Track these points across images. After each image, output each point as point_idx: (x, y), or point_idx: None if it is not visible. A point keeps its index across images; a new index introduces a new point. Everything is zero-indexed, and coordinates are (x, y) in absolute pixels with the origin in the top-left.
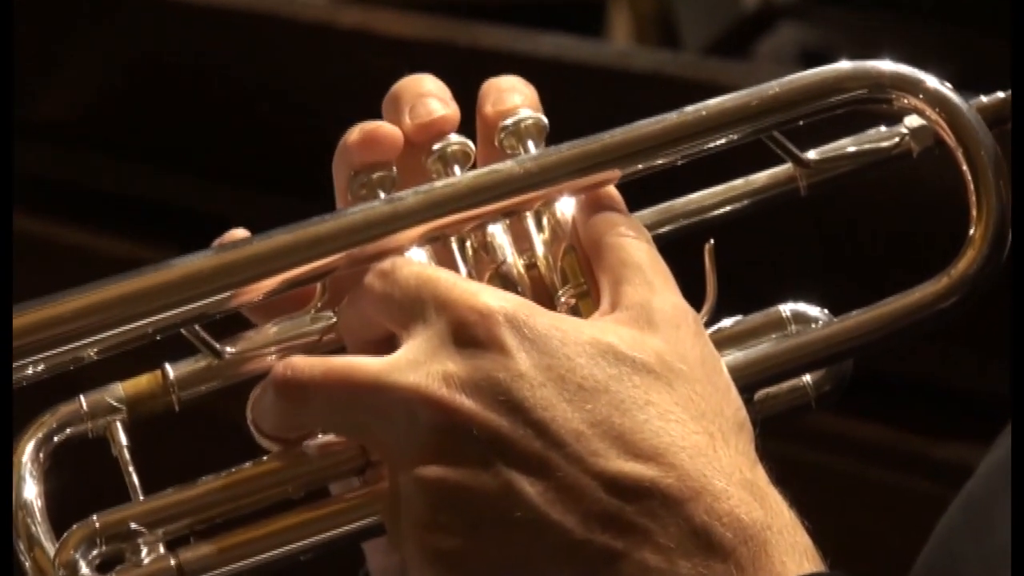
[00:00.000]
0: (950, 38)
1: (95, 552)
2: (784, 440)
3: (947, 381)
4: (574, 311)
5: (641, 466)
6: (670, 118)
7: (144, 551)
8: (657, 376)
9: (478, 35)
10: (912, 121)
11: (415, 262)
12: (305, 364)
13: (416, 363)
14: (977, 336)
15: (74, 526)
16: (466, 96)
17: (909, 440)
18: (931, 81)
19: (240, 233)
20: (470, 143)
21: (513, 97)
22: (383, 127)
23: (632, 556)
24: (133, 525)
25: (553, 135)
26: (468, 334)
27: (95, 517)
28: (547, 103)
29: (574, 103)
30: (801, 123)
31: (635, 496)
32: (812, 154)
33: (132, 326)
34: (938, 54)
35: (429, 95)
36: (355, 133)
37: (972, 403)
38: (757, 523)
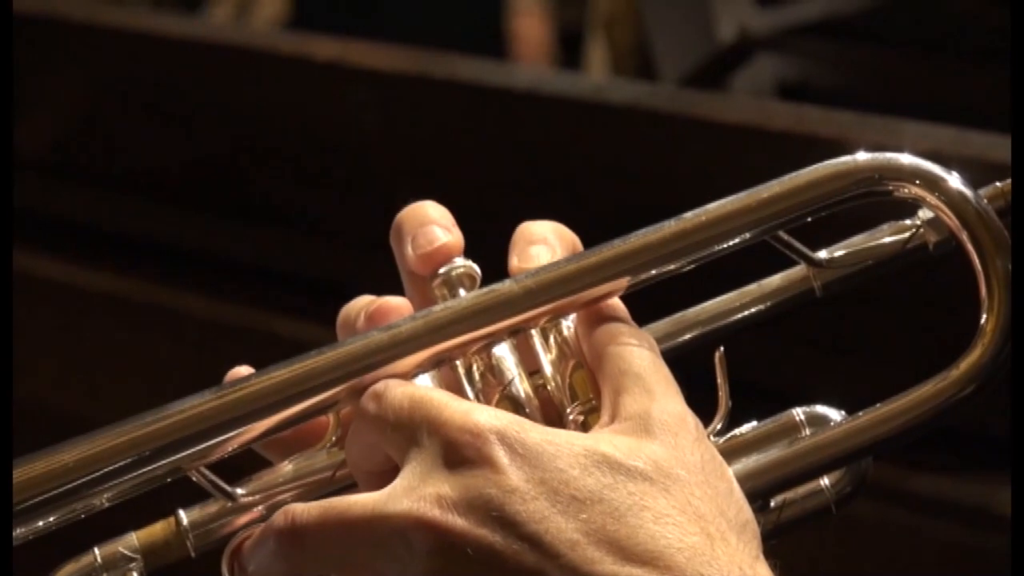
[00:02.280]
0: (928, 70)
1: None
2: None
3: None
4: (583, 427)
5: (638, 570)
6: (668, 225)
7: None
8: (653, 482)
9: (455, 67)
10: (925, 213)
11: (407, 383)
12: (302, 509)
13: (409, 489)
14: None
15: None
16: (443, 129)
17: (886, 471)
18: (935, 170)
19: (243, 371)
20: (475, 267)
21: (539, 255)
22: (386, 303)
23: None
24: None
25: (530, 168)
26: (460, 454)
27: None
28: (524, 136)
29: (551, 136)
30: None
31: None
32: (824, 253)
33: (131, 474)
34: (915, 86)
35: (431, 223)
36: (361, 319)
37: (948, 435)
38: None
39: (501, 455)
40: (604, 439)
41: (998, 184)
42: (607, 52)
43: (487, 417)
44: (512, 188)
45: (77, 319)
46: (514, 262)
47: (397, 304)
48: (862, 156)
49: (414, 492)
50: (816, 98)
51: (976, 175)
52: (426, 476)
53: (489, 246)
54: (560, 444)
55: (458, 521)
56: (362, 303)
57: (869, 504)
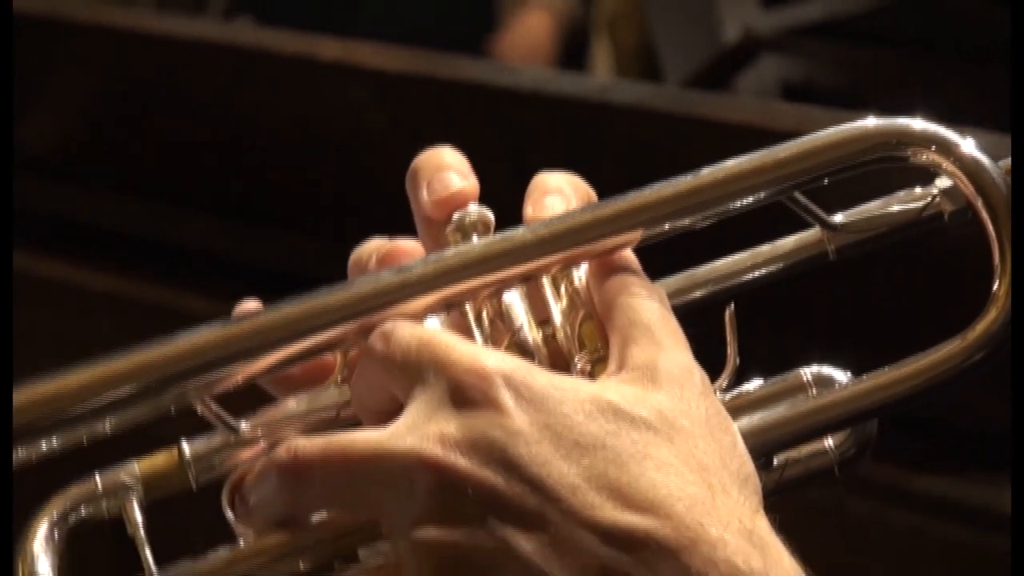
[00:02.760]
0: (932, 70)
1: None
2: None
3: (926, 412)
4: (590, 377)
5: (637, 517)
6: (684, 180)
7: None
8: (656, 432)
9: (459, 68)
10: (943, 182)
11: (415, 324)
12: (305, 443)
13: (414, 427)
14: None
15: None
16: (447, 129)
17: (887, 471)
18: (952, 136)
19: (252, 305)
20: (489, 213)
21: (554, 205)
22: (398, 247)
23: None
24: None
25: (535, 168)
26: (466, 395)
27: None
28: (528, 136)
29: (555, 136)
30: (826, 181)
31: (631, 547)
32: (840, 217)
33: (136, 401)
34: (920, 87)
35: (447, 168)
36: (373, 260)
37: (951, 435)
38: (755, 571)
39: (507, 398)
40: (610, 387)
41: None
42: (612, 53)
43: (494, 360)
44: (516, 188)
45: (77, 319)
46: (528, 211)
47: (410, 247)
48: (880, 120)
49: (418, 430)
50: (820, 99)
51: None
52: (431, 415)
53: None
54: (566, 390)
55: (460, 461)
56: (375, 245)
57: (873, 505)
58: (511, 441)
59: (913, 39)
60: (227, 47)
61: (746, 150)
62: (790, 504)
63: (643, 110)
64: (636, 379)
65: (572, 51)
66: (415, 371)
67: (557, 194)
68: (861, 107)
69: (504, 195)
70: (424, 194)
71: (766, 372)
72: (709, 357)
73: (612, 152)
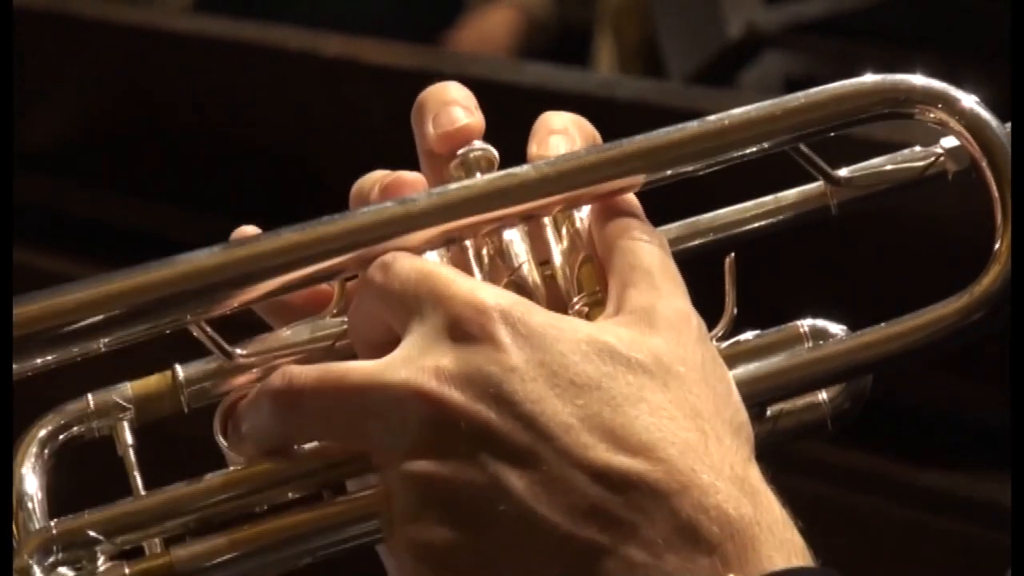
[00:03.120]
0: (935, 66)
1: (51, 559)
2: (768, 467)
3: (931, 407)
4: (587, 318)
5: (629, 459)
6: (691, 126)
7: (100, 560)
8: (652, 376)
9: (462, 64)
10: (948, 142)
11: (416, 257)
12: (300, 371)
13: (409, 359)
14: (963, 360)
15: (31, 532)
16: None
17: (891, 466)
18: (958, 94)
19: (251, 230)
20: (493, 150)
21: (559, 144)
22: (401, 177)
23: (618, 551)
24: (92, 533)
25: None
26: (463, 329)
27: (53, 524)
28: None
29: None
30: (832, 134)
31: (622, 489)
32: (844, 172)
33: (136, 321)
34: None
35: (453, 103)
36: (375, 191)
37: (956, 430)
38: (745, 518)
39: (504, 334)
40: (608, 329)
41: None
42: (615, 49)
43: (493, 295)
44: None
45: None
46: (533, 149)
47: (413, 179)
48: (889, 76)
49: (413, 362)
50: None
51: None
52: (427, 348)
53: None
54: (563, 329)
55: (454, 394)
56: (378, 175)
57: (878, 499)
58: (506, 377)
59: (916, 35)
60: (230, 43)
61: None
62: (794, 498)
63: (646, 106)
64: (633, 322)
65: (575, 47)
66: (413, 303)
67: (562, 134)
68: None
69: None
70: (429, 128)
71: (763, 325)
72: (707, 306)
73: None
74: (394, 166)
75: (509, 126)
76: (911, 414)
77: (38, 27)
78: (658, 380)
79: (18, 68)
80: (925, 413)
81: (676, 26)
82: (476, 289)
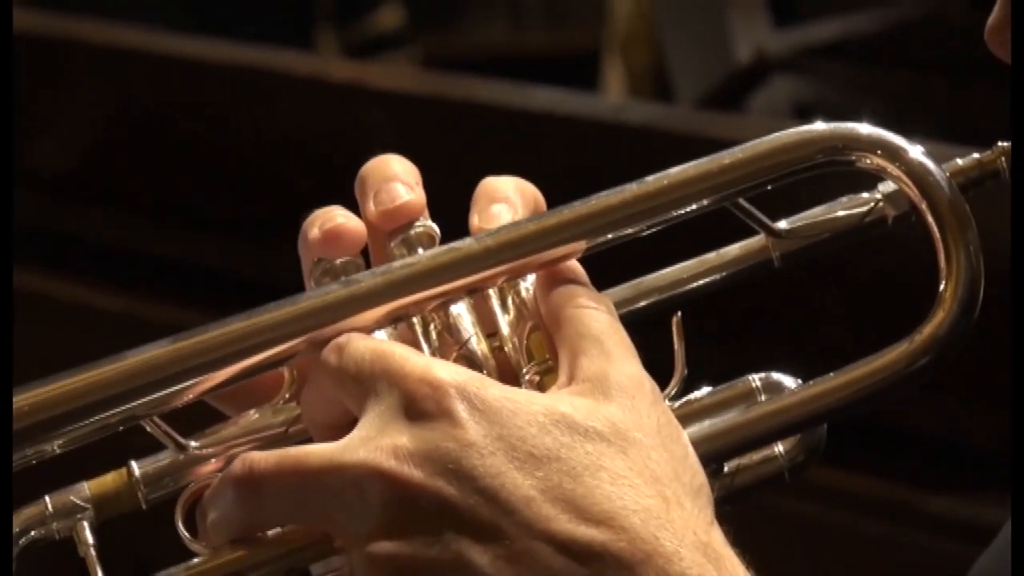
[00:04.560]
0: (943, 91)
1: None
2: (774, 491)
3: (937, 432)
4: (539, 387)
5: (592, 530)
6: (630, 188)
7: None
8: (610, 443)
9: (472, 89)
10: (887, 187)
11: (369, 337)
12: (259, 457)
13: (367, 439)
14: (966, 386)
15: None
16: (460, 150)
17: (900, 492)
18: (892, 138)
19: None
20: (434, 227)
21: (501, 214)
22: (344, 225)
23: None
24: None
25: (546, 189)
26: (419, 407)
27: None
28: (541, 157)
29: (567, 157)
30: (769, 188)
31: (587, 559)
32: (784, 224)
33: (85, 420)
34: (930, 107)
35: (394, 179)
36: (315, 229)
37: (963, 456)
38: None
39: (460, 409)
40: (563, 399)
41: (959, 160)
42: (624, 73)
43: (448, 372)
44: None
45: (89, 338)
46: (475, 220)
47: (351, 228)
48: (824, 125)
49: (371, 442)
50: (832, 119)
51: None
52: (384, 427)
53: None
54: (519, 402)
55: (414, 472)
56: (323, 215)
57: (884, 524)
58: (465, 453)
59: (925, 60)
60: (238, 68)
61: None
62: (801, 524)
63: (655, 130)
64: (587, 391)
65: (584, 72)
66: (369, 383)
67: (504, 202)
68: None
69: None
70: (371, 204)
71: (714, 380)
72: (658, 366)
73: (624, 173)
74: None
75: (519, 150)
76: (918, 440)
77: (40, 51)
78: (616, 448)
79: (23, 92)
80: (932, 439)
81: (685, 51)
82: (431, 367)
